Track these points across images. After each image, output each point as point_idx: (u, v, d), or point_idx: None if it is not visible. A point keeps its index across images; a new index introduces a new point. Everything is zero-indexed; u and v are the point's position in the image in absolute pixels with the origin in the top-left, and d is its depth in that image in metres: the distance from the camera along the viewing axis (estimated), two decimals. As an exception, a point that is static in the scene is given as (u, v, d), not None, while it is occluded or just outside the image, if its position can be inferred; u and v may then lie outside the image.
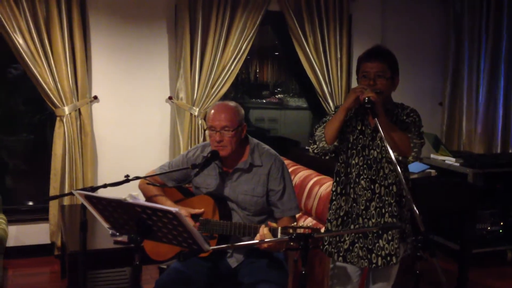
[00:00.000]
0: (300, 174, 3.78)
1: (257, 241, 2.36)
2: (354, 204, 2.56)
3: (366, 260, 2.54)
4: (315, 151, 2.58)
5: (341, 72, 4.98)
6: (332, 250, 2.62)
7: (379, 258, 2.52)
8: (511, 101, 4.96)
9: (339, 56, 4.95)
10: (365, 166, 2.54)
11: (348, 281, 2.67)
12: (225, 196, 2.71)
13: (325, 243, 2.65)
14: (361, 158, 2.54)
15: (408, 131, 2.47)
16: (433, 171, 4.14)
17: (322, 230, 2.79)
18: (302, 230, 2.19)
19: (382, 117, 2.36)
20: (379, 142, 2.52)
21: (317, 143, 2.55)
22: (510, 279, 4.38)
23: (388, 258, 2.52)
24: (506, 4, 4.90)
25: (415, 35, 5.44)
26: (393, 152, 2.33)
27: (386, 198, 2.52)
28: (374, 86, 2.44)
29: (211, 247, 2.11)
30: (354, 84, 2.68)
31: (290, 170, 3.81)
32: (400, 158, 2.45)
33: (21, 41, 4.15)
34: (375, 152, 2.53)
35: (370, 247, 2.53)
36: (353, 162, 2.56)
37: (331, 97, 4.96)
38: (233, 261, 2.71)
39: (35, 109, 5.12)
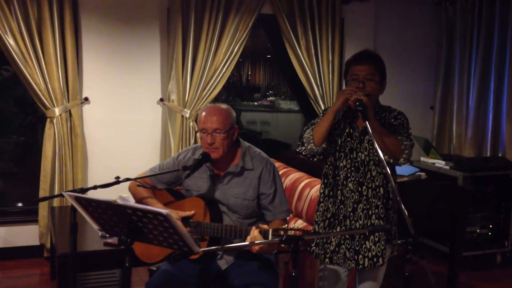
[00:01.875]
0: (291, 176, 3.79)
1: (247, 243, 2.36)
2: (342, 206, 2.57)
3: (353, 261, 2.55)
4: (303, 153, 2.59)
5: (333, 75, 4.99)
6: (319, 251, 2.63)
7: (366, 259, 2.54)
8: (501, 105, 4.99)
9: (330, 59, 4.97)
10: (352, 168, 2.55)
11: (337, 281, 2.67)
12: (216, 199, 2.71)
13: (312, 245, 2.66)
14: (349, 160, 2.56)
15: (398, 134, 2.49)
16: (423, 174, 4.16)
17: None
18: (292, 232, 2.19)
19: (373, 121, 2.37)
20: (366, 145, 2.53)
21: (305, 145, 2.56)
22: (500, 281, 4.41)
23: (375, 260, 2.53)
24: (498, 10, 4.94)
25: (407, 39, 5.47)
26: (384, 155, 2.34)
27: (373, 200, 2.53)
28: (363, 89, 2.45)
29: (201, 249, 2.11)
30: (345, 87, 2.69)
31: (281, 172, 3.83)
32: (391, 161, 2.47)
33: (12, 42, 4.12)
34: (363, 154, 2.54)
35: (357, 248, 2.55)
36: (341, 164, 2.57)
37: (322, 100, 4.97)
38: (223, 263, 2.71)
39: (26, 111, 5.10)
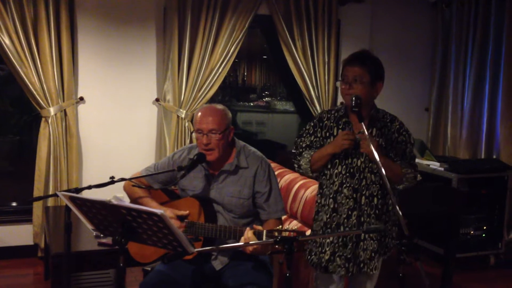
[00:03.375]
0: (286, 177, 3.79)
1: (242, 243, 2.36)
2: (334, 214, 2.57)
3: (343, 269, 2.55)
4: (301, 173, 2.69)
5: (329, 76, 5.00)
6: (316, 261, 2.62)
7: (355, 266, 2.55)
8: (496, 107, 5.01)
9: (326, 60, 4.98)
10: (347, 174, 2.54)
11: (331, 283, 2.68)
12: (211, 198, 2.71)
13: (312, 254, 2.65)
14: (344, 166, 2.55)
15: (402, 152, 2.50)
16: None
17: (307, 233, 2.80)
18: (287, 233, 2.19)
19: (381, 157, 2.36)
20: None
21: (303, 171, 2.63)
22: (493, 283, 4.43)
23: (361, 265, 2.54)
24: (493, 12, 4.96)
25: (403, 40, 5.48)
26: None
27: (366, 209, 2.53)
28: (349, 90, 2.45)
29: (196, 250, 2.11)
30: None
31: (276, 173, 3.82)
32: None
33: (7, 41, 4.11)
34: (359, 161, 2.53)
35: (349, 256, 2.55)
36: (336, 171, 2.56)
37: (318, 101, 4.98)
38: (218, 263, 2.70)
39: (21, 110, 5.08)
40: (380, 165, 2.26)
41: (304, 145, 2.65)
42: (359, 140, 2.42)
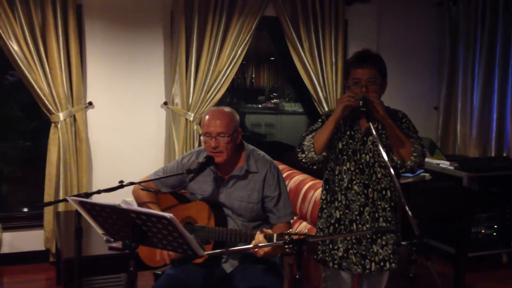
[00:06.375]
0: (295, 178, 3.78)
1: (251, 246, 2.36)
2: (347, 211, 2.56)
3: (359, 266, 2.54)
4: (303, 160, 2.58)
5: (336, 77, 4.99)
6: (327, 258, 2.61)
7: (373, 263, 2.53)
8: (505, 105, 4.98)
9: (334, 61, 4.97)
10: (357, 171, 2.54)
11: (340, 285, 2.67)
12: (221, 202, 2.71)
13: (319, 253, 2.64)
14: (353, 163, 2.54)
15: (410, 137, 2.48)
16: (427, 174, 4.15)
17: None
18: (297, 237, 2.19)
19: (387, 119, 2.37)
20: (371, 146, 2.52)
21: (306, 153, 2.55)
22: (506, 282, 4.39)
23: (382, 264, 2.52)
24: (501, 10, 4.93)
25: (411, 40, 5.46)
26: (393, 155, 2.35)
27: (379, 203, 2.52)
28: (366, 93, 2.44)
29: (206, 253, 2.11)
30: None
31: (285, 174, 3.82)
32: (399, 162, 2.44)
33: (16, 47, 4.14)
34: (367, 156, 2.53)
35: (364, 253, 2.53)
36: (345, 168, 2.56)
37: (326, 101, 4.97)
38: (228, 266, 2.70)
39: (31, 116, 5.12)
40: (392, 126, 2.36)
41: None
42: (362, 105, 2.37)
